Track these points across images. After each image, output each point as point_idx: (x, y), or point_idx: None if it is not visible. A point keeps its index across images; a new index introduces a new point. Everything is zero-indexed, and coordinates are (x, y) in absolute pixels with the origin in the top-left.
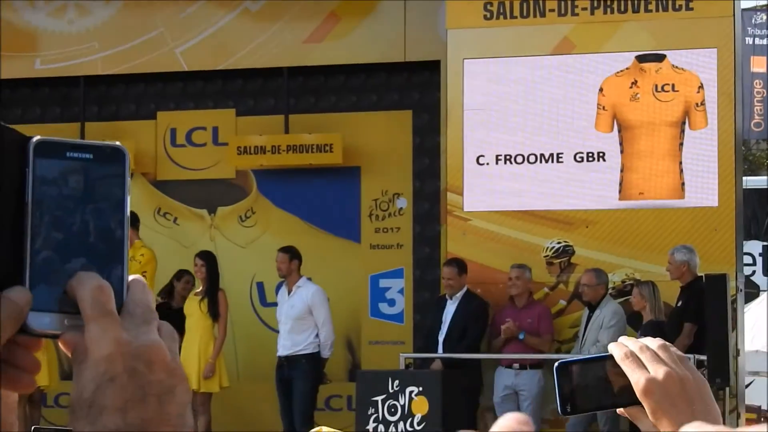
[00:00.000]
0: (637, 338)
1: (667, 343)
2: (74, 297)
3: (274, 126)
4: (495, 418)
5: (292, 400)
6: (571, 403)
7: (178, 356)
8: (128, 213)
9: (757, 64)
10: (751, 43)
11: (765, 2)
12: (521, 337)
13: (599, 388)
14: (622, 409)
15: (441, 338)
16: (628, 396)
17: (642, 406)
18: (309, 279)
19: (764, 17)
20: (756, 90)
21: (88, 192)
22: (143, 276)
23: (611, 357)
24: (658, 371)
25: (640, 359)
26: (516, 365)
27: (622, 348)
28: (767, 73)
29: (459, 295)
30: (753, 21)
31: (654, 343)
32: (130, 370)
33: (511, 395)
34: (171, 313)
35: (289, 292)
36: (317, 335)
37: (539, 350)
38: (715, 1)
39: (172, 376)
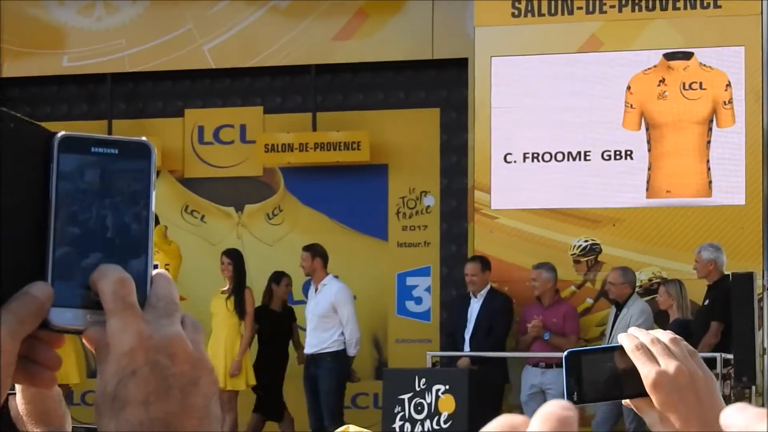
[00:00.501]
0: None
1: (678, 336)
2: (96, 291)
3: (301, 123)
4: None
5: (320, 398)
6: (579, 391)
7: (202, 347)
8: (153, 208)
9: None
10: None
11: None
12: (546, 337)
13: (608, 379)
14: (628, 401)
15: (467, 336)
16: (636, 388)
17: (648, 398)
18: (335, 277)
19: None
20: None
21: (112, 187)
22: (167, 269)
23: (621, 348)
24: (669, 365)
25: (651, 352)
26: (542, 364)
27: (633, 340)
28: None
29: (483, 292)
30: None
31: (665, 336)
32: (152, 363)
33: (538, 394)
34: (271, 315)
35: (315, 290)
36: (342, 333)
37: (564, 349)
38: None
39: (195, 367)
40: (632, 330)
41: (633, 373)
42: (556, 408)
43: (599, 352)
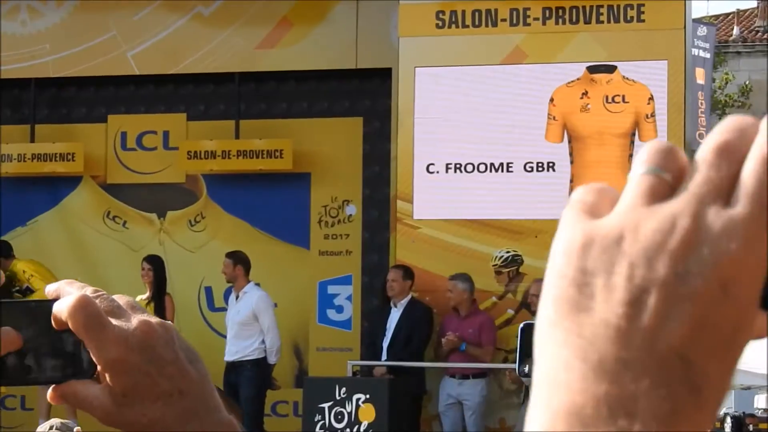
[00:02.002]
0: None
1: None
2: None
3: (224, 131)
4: (440, 426)
5: (240, 406)
6: (530, 365)
7: None
8: None
9: (699, 76)
10: (696, 54)
11: (708, 15)
12: (462, 348)
13: None
14: None
15: (385, 345)
16: None
17: None
18: (257, 284)
19: (705, 30)
20: (699, 101)
21: None
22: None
23: None
24: None
25: None
26: (458, 375)
27: None
28: (705, 85)
29: (404, 302)
30: (696, 33)
31: None
32: None
33: (455, 404)
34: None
35: (236, 298)
36: (263, 341)
37: (481, 360)
38: (667, 13)
39: None
40: None
41: None
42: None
43: None
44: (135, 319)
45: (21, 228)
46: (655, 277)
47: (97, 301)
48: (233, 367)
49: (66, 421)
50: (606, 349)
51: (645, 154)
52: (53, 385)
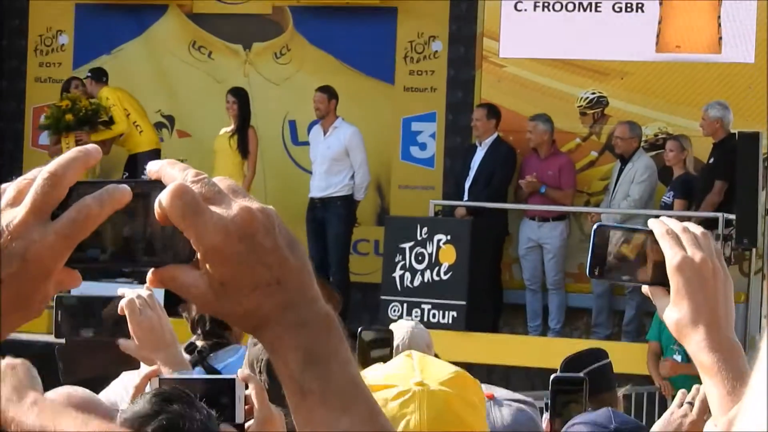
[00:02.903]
0: (666, 192)
1: (708, 231)
2: None
3: None
4: (520, 269)
5: (325, 243)
6: (600, 267)
7: None
8: None
9: None
10: None
11: None
12: (542, 190)
13: (631, 260)
14: (646, 288)
15: (467, 185)
16: (657, 274)
17: (666, 288)
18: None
19: None
20: None
21: None
22: (126, 113)
23: (650, 232)
24: (696, 254)
25: (680, 239)
26: (538, 217)
27: (663, 225)
28: None
29: (488, 141)
30: None
31: (696, 228)
32: None
33: (535, 247)
34: None
35: (324, 133)
36: (352, 177)
37: (561, 203)
38: None
39: None
40: (664, 217)
41: (658, 259)
42: None
43: (628, 231)
44: (236, 205)
45: (106, 56)
46: None
47: (196, 186)
48: (321, 203)
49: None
50: None
51: None
52: (152, 269)
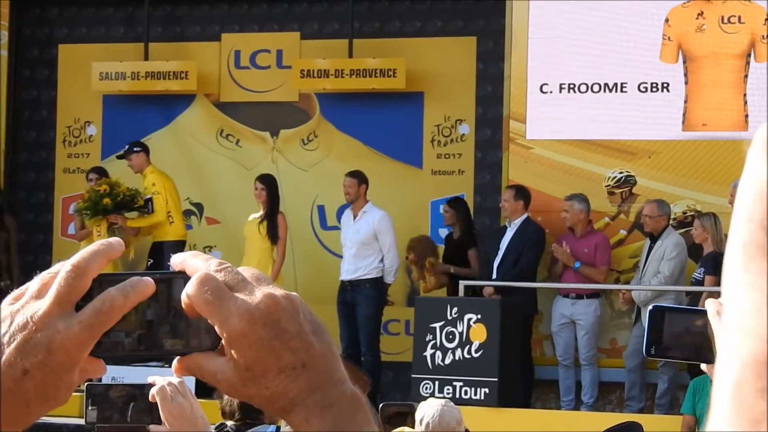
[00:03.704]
0: (697, 269)
1: None
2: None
3: (338, 50)
4: (552, 346)
5: (355, 324)
6: (656, 346)
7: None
8: None
9: None
10: None
11: None
12: (576, 266)
13: (688, 339)
14: (705, 366)
15: (496, 264)
16: (713, 353)
17: None
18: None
19: None
20: None
21: None
22: (166, 203)
23: (704, 312)
24: None
25: None
26: (572, 295)
27: (715, 305)
28: None
29: (518, 221)
30: None
31: None
32: None
33: (569, 324)
34: None
35: (354, 217)
36: (381, 260)
37: (595, 280)
38: None
39: None
40: (718, 299)
41: (712, 337)
42: None
43: (683, 312)
44: (259, 292)
45: None
46: None
47: (220, 275)
48: (351, 286)
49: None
50: None
51: None
52: (178, 357)
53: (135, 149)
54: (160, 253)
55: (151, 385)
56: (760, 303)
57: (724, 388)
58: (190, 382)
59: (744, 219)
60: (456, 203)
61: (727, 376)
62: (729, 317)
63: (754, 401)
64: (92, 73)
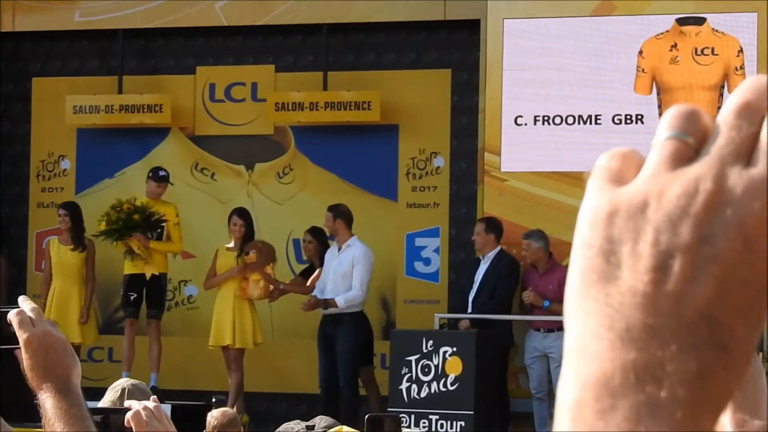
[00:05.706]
0: None
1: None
2: None
3: (312, 83)
4: (527, 379)
5: (335, 358)
6: None
7: None
8: None
9: None
10: None
11: None
12: (546, 305)
13: None
14: None
15: (471, 297)
16: None
17: None
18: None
19: None
20: None
21: None
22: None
23: None
24: None
25: None
26: (542, 329)
27: None
28: None
29: (491, 254)
30: None
31: None
32: None
33: (541, 357)
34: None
35: (339, 250)
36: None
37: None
38: None
39: None
40: None
41: None
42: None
43: None
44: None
45: (109, 179)
46: (680, 242)
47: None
48: (331, 319)
49: (137, 382)
50: (633, 316)
51: (668, 118)
52: None
53: (161, 176)
54: (142, 283)
55: (126, 410)
56: (599, 327)
57: (565, 409)
58: (167, 407)
59: (581, 245)
60: (319, 233)
61: (568, 397)
62: (570, 343)
63: (593, 422)
64: (66, 106)
